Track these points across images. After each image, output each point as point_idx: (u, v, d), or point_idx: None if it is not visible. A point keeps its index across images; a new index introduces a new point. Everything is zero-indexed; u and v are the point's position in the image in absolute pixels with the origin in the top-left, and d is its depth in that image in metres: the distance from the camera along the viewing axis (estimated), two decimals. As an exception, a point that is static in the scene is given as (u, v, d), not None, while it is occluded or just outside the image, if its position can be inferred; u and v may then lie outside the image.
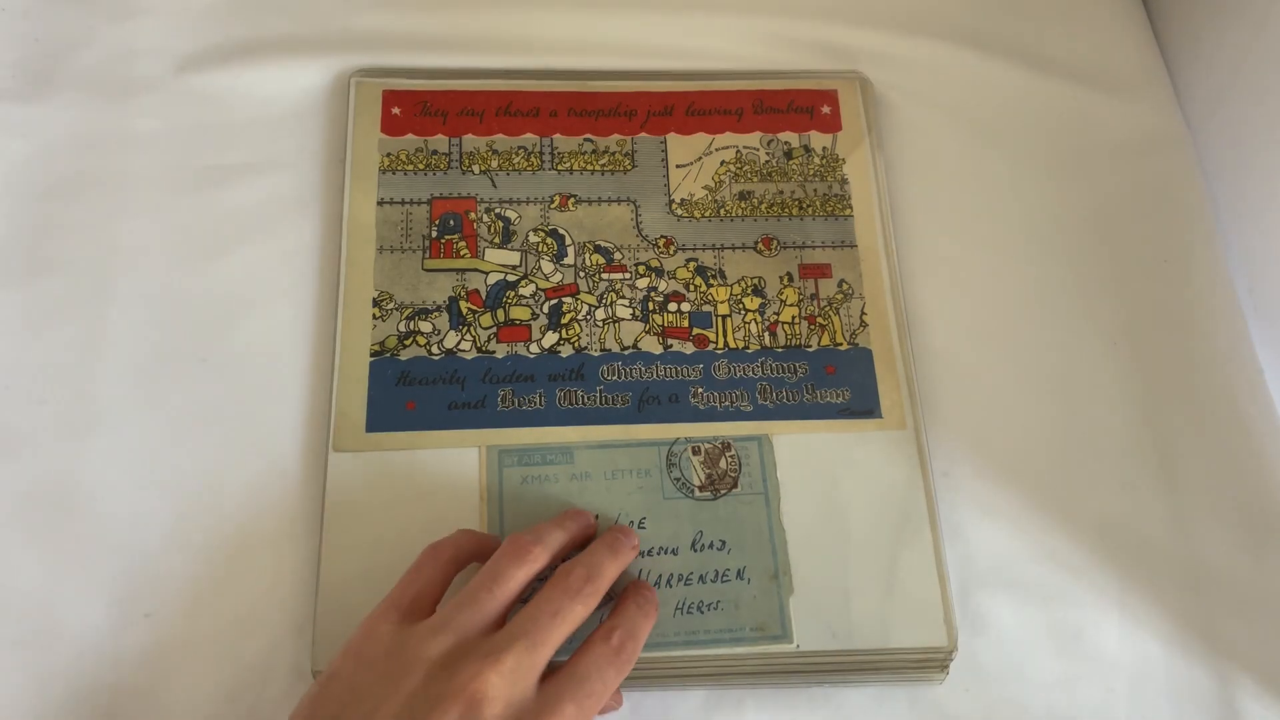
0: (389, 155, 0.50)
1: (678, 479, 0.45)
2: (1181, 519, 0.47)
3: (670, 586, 0.43)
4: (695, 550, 0.43)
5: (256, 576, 0.43)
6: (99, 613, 0.42)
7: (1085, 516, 0.47)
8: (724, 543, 0.44)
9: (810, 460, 0.46)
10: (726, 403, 0.46)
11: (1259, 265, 0.52)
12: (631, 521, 0.44)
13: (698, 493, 0.44)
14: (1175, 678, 0.44)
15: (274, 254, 0.50)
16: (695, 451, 0.45)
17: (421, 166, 0.50)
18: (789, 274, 0.49)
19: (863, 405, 0.47)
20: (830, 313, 0.48)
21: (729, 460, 0.45)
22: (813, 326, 0.48)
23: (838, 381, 0.47)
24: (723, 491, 0.45)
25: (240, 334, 0.48)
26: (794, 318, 0.48)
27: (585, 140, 0.51)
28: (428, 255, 0.48)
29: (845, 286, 0.49)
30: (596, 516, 0.44)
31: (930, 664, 0.43)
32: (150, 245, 0.49)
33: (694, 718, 0.43)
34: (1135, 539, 0.46)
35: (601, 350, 0.47)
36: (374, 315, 0.47)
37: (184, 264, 0.49)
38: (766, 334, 0.48)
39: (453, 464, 0.45)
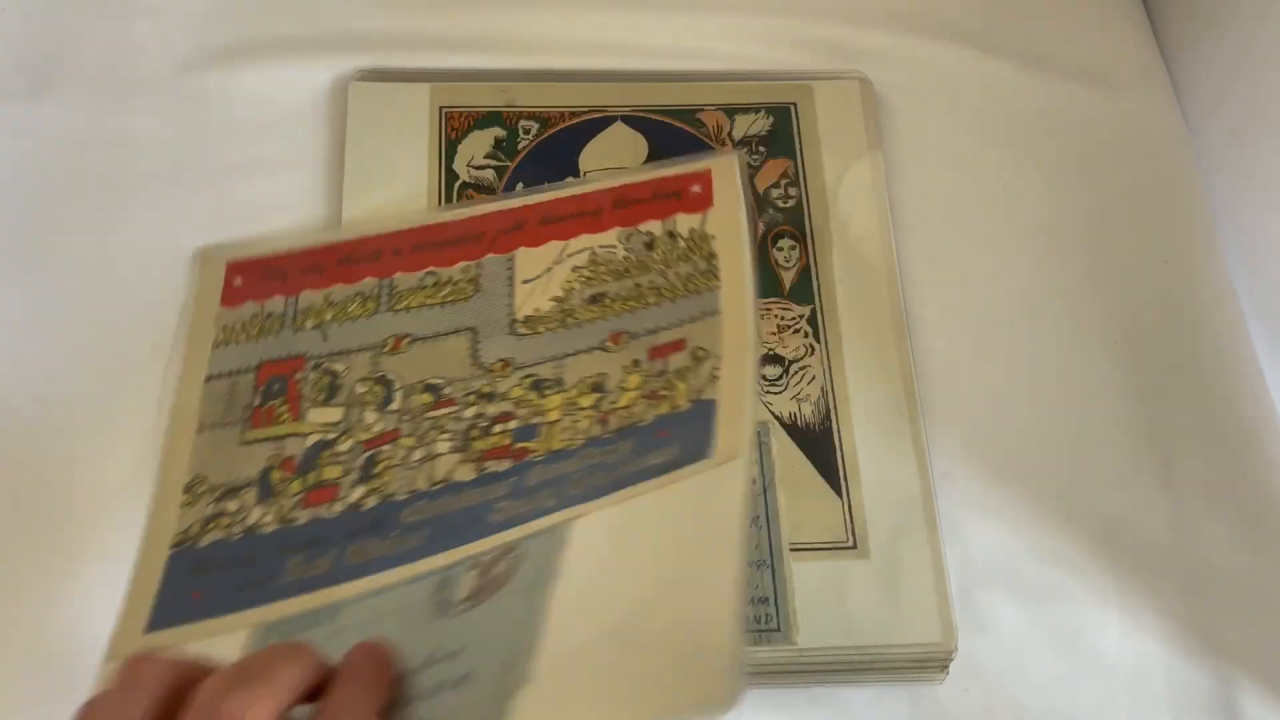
0: (225, 328, 0.47)
1: (441, 601, 0.37)
2: (1181, 519, 0.47)
3: None
4: (424, 670, 0.34)
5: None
6: (99, 614, 0.42)
7: (1085, 516, 0.47)
8: (456, 651, 0.34)
9: (619, 532, 0.37)
10: (531, 506, 0.40)
11: (1259, 265, 0.52)
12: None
13: (457, 607, 0.37)
14: (1175, 678, 0.44)
15: (274, 254, 0.50)
16: (473, 566, 0.38)
17: (255, 333, 0.47)
18: (635, 360, 0.44)
19: (690, 454, 0.39)
20: (674, 380, 0.43)
21: (508, 562, 0.38)
22: (652, 401, 0.43)
23: (667, 442, 0.40)
24: (485, 597, 0.36)
25: (240, 334, 0.48)
26: (632, 400, 0.43)
27: (428, 274, 0.48)
28: (248, 427, 0.45)
29: (699, 352, 0.43)
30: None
31: (929, 664, 0.43)
32: (150, 245, 0.49)
33: (694, 718, 0.43)
34: (1135, 539, 0.46)
35: (410, 492, 0.42)
36: (184, 502, 0.43)
37: (185, 264, 0.49)
38: (597, 425, 0.42)
39: (217, 651, 0.34)
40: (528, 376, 0.45)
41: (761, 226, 0.51)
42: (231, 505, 0.43)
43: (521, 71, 0.54)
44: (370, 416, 0.44)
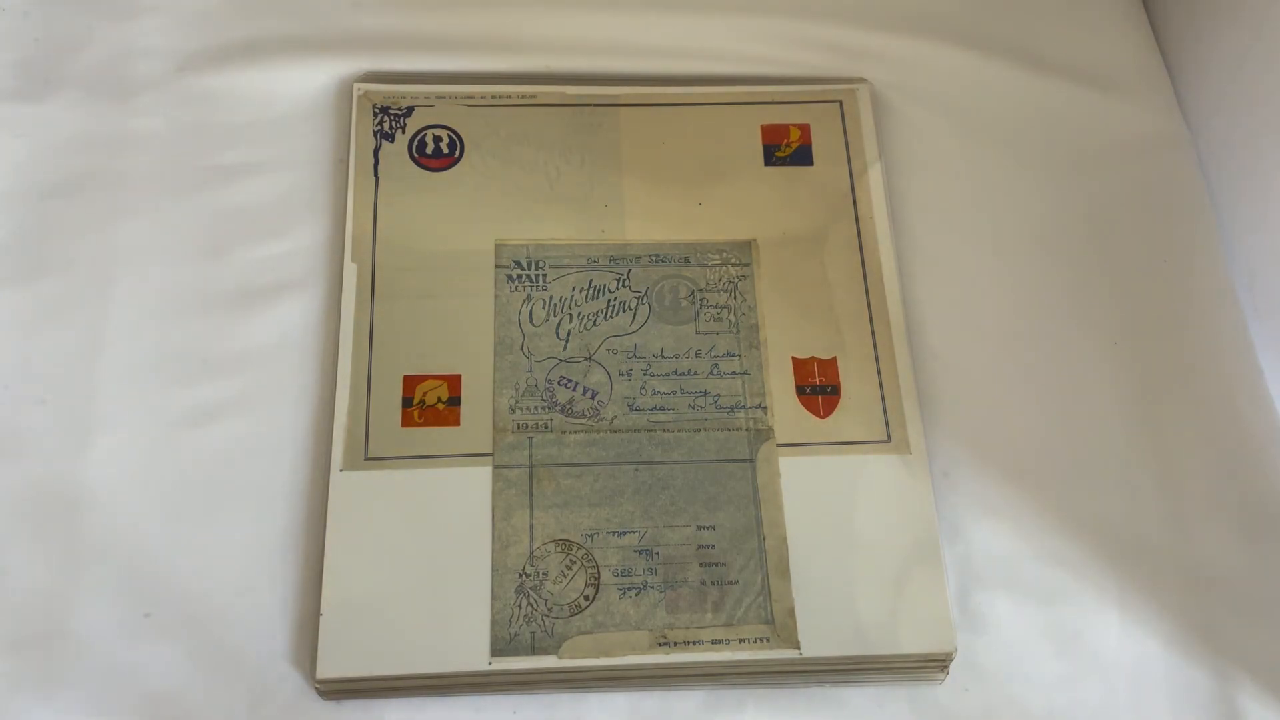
0: None
1: None
2: (1181, 519, 0.47)
3: None
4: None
5: (258, 576, 0.44)
6: (99, 612, 0.42)
7: (1085, 516, 0.47)
8: None
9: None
10: None
11: (1259, 265, 0.52)
12: None
13: None
14: (1175, 678, 0.44)
15: (275, 254, 0.50)
16: None
17: None
18: None
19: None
20: None
21: None
22: None
23: None
24: None
25: (241, 334, 0.48)
26: None
27: None
28: None
29: None
30: None
31: (929, 665, 0.43)
32: (150, 245, 0.49)
33: (694, 718, 0.43)
34: (1135, 539, 0.46)
35: None
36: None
37: (184, 264, 0.49)
38: None
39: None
40: None
41: None
42: None
43: (525, 74, 0.54)
44: None
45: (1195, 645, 0.45)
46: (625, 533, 0.44)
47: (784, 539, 0.44)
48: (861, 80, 0.55)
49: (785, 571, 0.44)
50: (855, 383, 0.48)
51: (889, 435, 0.47)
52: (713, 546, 0.44)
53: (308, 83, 0.53)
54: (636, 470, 0.46)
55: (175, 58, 0.53)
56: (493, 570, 0.43)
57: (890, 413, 0.47)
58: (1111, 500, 0.47)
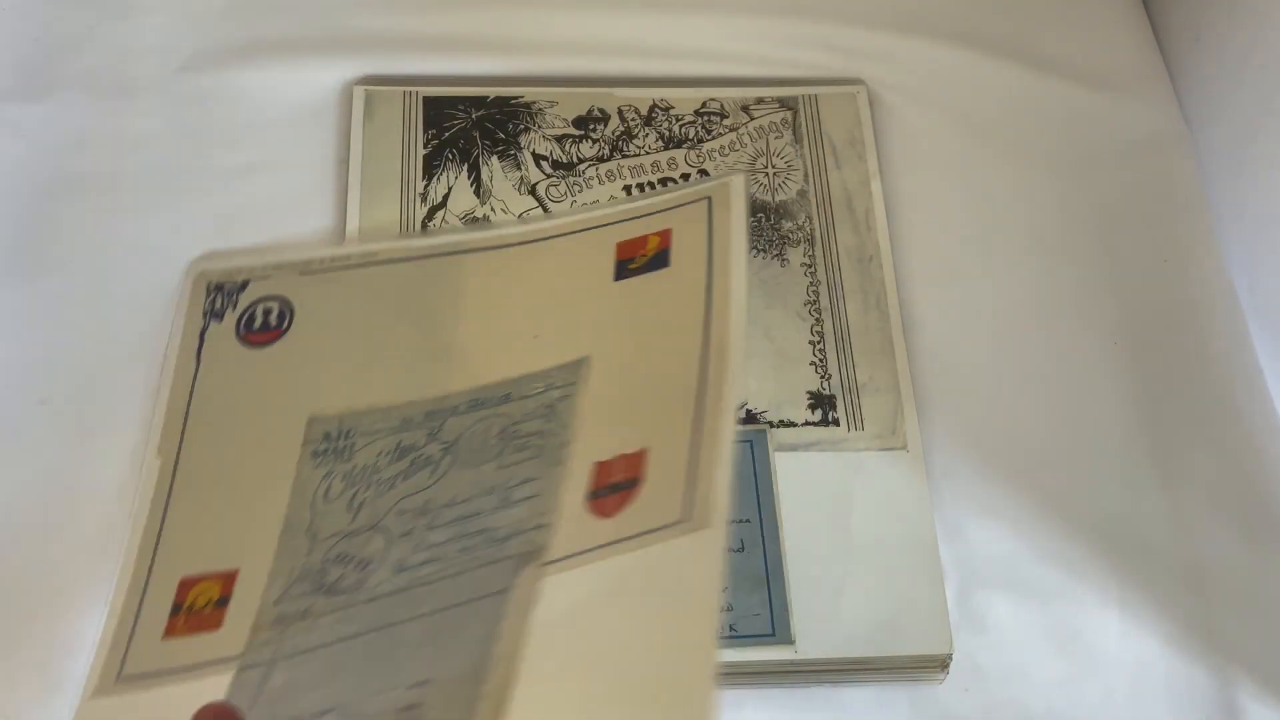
0: None
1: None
2: (1181, 518, 0.47)
3: None
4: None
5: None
6: (99, 613, 0.42)
7: (1085, 516, 0.47)
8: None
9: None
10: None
11: (1259, 265, 0.52)
12: None
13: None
14: (1175, 678, 0.44)
15: (274, 254, 0.50)
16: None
17: None
18: None
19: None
20: None
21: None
22: None
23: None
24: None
25: (240, 334, 0.48)
26: None
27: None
28: None
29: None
30: None
31: (928, 665, 0.43)
32: (150, 245, 0.49)
33: (694, 717, 0.43)
34: (1135, 538, 0.46)
35: None
36: None
37: (184, 264, 0.49)
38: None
39: None
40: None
41: None
42: None
43: (526, 76, 0.54)
44: None
45: (1195, 645, 0.45)
46: (326, 711, 0.38)
47: (515, 674, 0.37)
48: (858, 81, 0.55)
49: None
50: (662, 468, 0.41)
51: (690, 514, 0.39)
52: (418, 705, 0.38)
53: (308, 83, 0.53)
54: (375, 636, 0.40)
55: (175, 58, 0.53)
56: None
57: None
58: (1112, 500, 0.47)
